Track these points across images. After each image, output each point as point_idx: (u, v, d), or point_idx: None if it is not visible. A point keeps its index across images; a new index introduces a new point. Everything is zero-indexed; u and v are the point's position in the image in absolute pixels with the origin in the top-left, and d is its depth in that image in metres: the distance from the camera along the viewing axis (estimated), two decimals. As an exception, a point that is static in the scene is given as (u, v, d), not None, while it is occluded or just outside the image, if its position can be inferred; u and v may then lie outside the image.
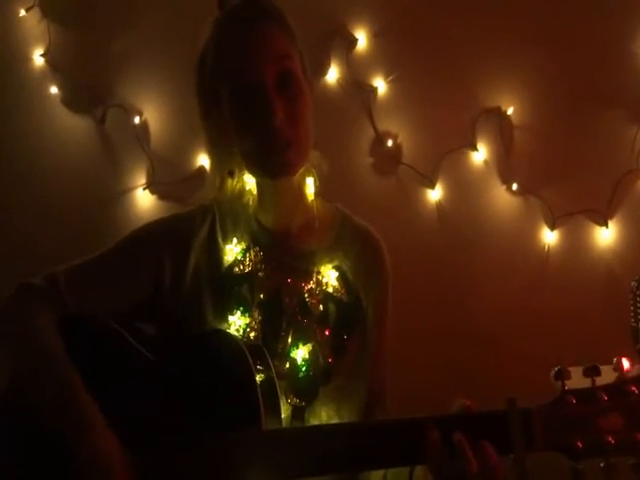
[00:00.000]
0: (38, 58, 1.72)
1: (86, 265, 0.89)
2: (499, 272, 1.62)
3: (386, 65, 1.66)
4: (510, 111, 1.63)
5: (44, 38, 1.71)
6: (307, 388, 0.85)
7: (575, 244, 1.61)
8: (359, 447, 0.71)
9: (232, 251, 0.91)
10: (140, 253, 0.90)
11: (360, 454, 0.71)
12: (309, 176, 0.92)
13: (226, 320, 0.87)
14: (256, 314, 0.87)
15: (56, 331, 0.82)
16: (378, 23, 1.66)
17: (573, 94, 1.61)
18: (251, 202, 0.92)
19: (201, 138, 0.92)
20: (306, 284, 0.89)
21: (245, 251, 0.91)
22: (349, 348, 0.89)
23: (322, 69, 1.66)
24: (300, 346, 0.86)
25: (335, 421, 0.86)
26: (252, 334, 0.87)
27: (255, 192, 0.92)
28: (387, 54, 1.66)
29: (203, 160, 1.65)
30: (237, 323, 0.87)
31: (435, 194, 1.66)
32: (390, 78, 1.66)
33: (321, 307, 0.89)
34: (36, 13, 1.72)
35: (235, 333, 0.86)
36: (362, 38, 1.66)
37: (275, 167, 0.85)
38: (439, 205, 1.66)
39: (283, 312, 0.88)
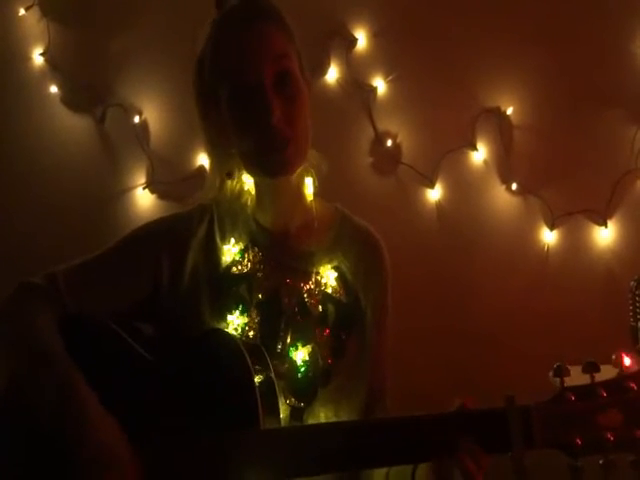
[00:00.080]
0: (38, 57, 1.72)
1: (85, 265, 0.89)
2: (499, 272, 1.62)
3: (386, 65, 1.66)
4: (510, 111, 1.63)
5: (44, 37, 1.71)
6: (306, 389, 0.85)
7: (574, 244, 1.62)
8: (358, 446, 0.71)
9: (230, 251, 0.90)
10: (139, 253, 0.90)
11: (359, 453, 0.71)
12: (308, 176, 0.91)
13: (224, 319, 0.87)
14: (254, 314, 0.87)
15: (56, 330, 0.81)
16: (378, 23, 1.66)
17: (572, 94, 1.61)
18: (249, 202, 0.92)
19: (200, 138, 0.92)
20: (305, 284, 0.89)
21: (243, 251, 0.90)
22: (348, 349, 0.89)
23: (322, 69, 1.66)
24: (300, 347, 0.86)
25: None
26: (251, 333, 0.87)
27: (253, 192, 0.92)
28: (387, 54, 1.66)
29: (203, 160, 1.66)
30: (235, 322, 0.87)
31: (435, 194, 1.66)
32: (390, 78, 1.66)
33: (320, 308, 0.88)
34: (35, 12, 1.72)
35: (233, 332, 0.86)
36: (362, 38, 1.67)
37: (273, 165, 0.85)
38: (439, 205, 1.66)
39: (282, 312, 0.88)
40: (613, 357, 0.63)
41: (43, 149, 1.71)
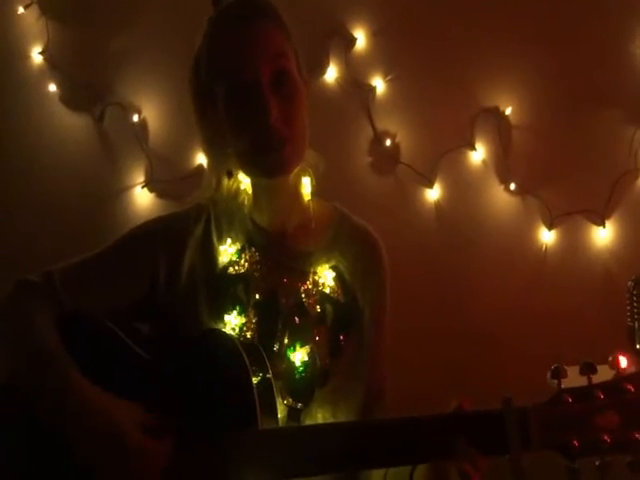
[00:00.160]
0: (36, 56, 1.71)
1: (82, 263, 0.89)
2: (497, 271, 1.62)
3: (385, 64, 1.66)
4: (508, 111, 1.63)
5: (42, 36, 1.70)
6: (303, 390, 0.85)
7: (572, 244, 1.62)
8: (356, 447, 0.71)
9: (226, 252, 0.90)
10: (136, 251, 0.90)
11: (357, 454, 0.72)
12: (305, 176, 0.91)
13: (222, 320, 0.87)
14: (252, 315, 0.87)
15: (53, 328, 0.82)
16: (377, 22, 1.66)
17: (571, 94, 1.61)
18: (246, 202, 0.92)
19: (198, 137, 0.91)
20: (303, 284, 0.89)
21: (240, 251, 0.90)
22: (346, 349, 0.89)
23: (321, 68, 1.66)
24: (298, 348, 0.86)
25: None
26: (248, 334, 0.87)
27: (250, 192, 0.92)
28: (386, 53, 1.66)
29: (202, 158, 1.65)
30: (233, 322, 0.87)
31: (433, 193, 1.66)
32: (389, 77, 1.66)
33: (318, 308, 0.88)
34: (34, 10, 1.72)
35: (231, 332, 0.86)
36: (361, 37, 1.66)
37: (270, 165, 0.85)
38: (437, 204, 1.66)
39: (279, 313, 0.88)
40: (610, 359, 0.63)
41: (42, 148, 1.71)
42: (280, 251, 0.90)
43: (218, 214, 0.92)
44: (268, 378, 0.79)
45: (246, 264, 0.89)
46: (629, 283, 1.18)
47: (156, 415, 0.76)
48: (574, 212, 1.61)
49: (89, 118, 1.71)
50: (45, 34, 1.70)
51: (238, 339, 0.84)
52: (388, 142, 1.66)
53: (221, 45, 0.83)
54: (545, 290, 1.61)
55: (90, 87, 1.70)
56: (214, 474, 0.74)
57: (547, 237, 1.63)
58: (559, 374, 0.65)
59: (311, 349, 0.86)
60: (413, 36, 1.64)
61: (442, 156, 1.64)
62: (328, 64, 1.67)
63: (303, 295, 0.89)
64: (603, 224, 1.61)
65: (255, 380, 0.77)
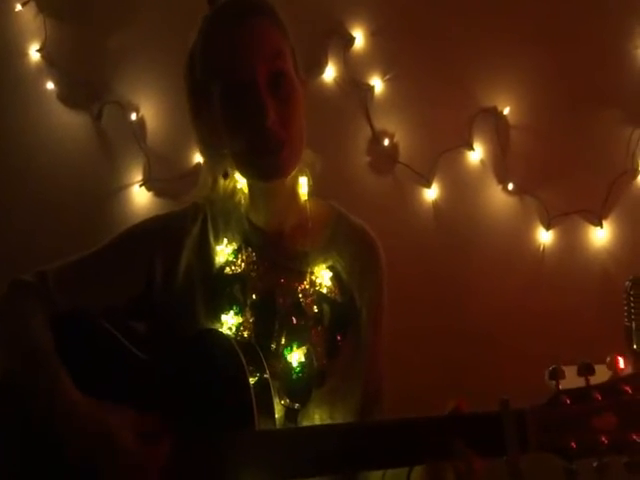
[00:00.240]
0: (34, 53, 1.71)
1: (78, 262, 0.89)
2: (495, 271, 1.62)
3: (383, 64, 1.66)
4: (506, 111, 1.64)
5: (40, 33, 1.70)
6: (300, 390, 0.85)
7: (570, 244, 1.62)
8: (353, 448, 0.71)
9: (223, 252, 0.90)
10: (132, 251, 0.89)
11: (354, 455, 0.71)
12: (302, 175, 0.90)
13: (219, 319, 0.87)
14: (249, 315, 0.87)
15: (47, 330, 0.81)
16: (376, 22, 1.66)
17: (569, 94, 1.61)
18: (243, 201, 0.91)
19: (193, 136, 0.90)
20: (300, 285, 0.89)
21: (237, 252, 0.90)
22: (343, 349, 0.89)
23: (319, 67, 1.66)
24: (295, 349, 0.86)
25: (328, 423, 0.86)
26: (245, 333, 0.86)
27: (247, 191, 0.91)
28: (384, 53, 1.66)
29: (200, 157, 1.65)
30: (230, 322, 0.86)
31: (431, 193, 1.66)
32: (387, 77, 1.66)
33: (315, 308, 0.88)
34: (32, 8, 1.71)
35: (228, 332, 0.85)
36: (359, 37, 1.66)
37: (267, 169, 0.84)
38: (435, 204, 1.66)
39: (276, 313, 0.87)
40: (608, 359, 0.63)
41: (40, 146, 1.70)
42: (277, 251, 0.90)
43: (215, 214, 0.92)
44: (265, 378, 0.79)
45: (243, 264, 0.89)
46: (626, 283, 1.18)
47: (151, 417, 0.75)
48: (572, 212, 1.61)
49: (87, 116, 1.71)
50: (43, 32, 1.70)
51: (235, 339, 0.84)
52: (386, 142, 1.66)
53: (217, 43, 0.82)
54: (543, 290, 1.61)
55: (88, 85, 1.70)
56: (212, 474, 0.74)
57: (545, 237, 1.63)
58: (557, 375, 0.65)
59: (308, 349, 0.86)
60: (412, 36, 1.64)
61: (440, 156, 1.64)
62: (326, 63, 1.67)
63: (300, 295, 0.88)
64: (601, 224, 1.61)
65: (252, 380, 0.77)
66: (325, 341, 0.88)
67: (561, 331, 1.56)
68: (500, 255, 1.63)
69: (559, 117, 1.62)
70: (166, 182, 1.68)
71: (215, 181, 0.91)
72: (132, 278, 0.89)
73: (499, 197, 1.65)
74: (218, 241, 0.91)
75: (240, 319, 0.87)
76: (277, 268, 0.89)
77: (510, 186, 1.64)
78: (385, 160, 1.67)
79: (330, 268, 0.91)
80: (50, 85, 1.70)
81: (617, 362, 0.62)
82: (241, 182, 0.92)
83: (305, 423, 0.85)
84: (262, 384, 0.78)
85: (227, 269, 0.89)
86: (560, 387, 0.66)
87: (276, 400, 0.82)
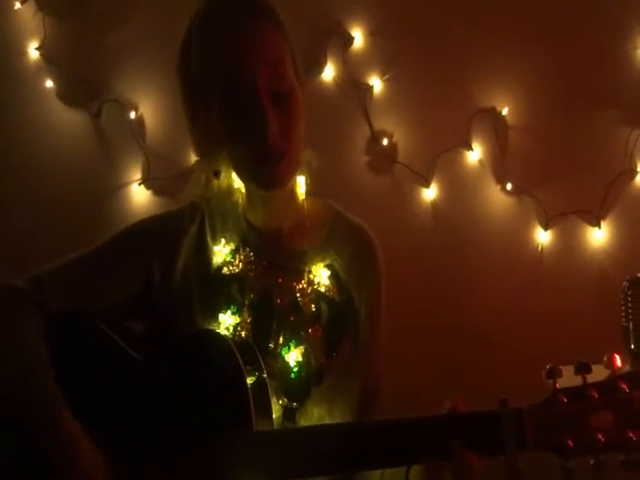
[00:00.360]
0: (33, 51, 1.70)
1: (74, 262, 0.88)
2: (493, 271, 1.63)
3: (382, 64, 1.66)
4: (505, 111, 1.64)
5: (39, 31, 1.70)
6: (299, 389, 0.85)
7: (568, 244, 1.63)
8: (351, 448, 0.71)
9: (220, 252, 0.90)
10: (130, 250, 0.89)
11: (353, 455, 0.72)
12: (300, 175, 0.90)
13: (216, 319, 0.87)
14: (246, 314, 0.87)
15: (41, 336, 0.81)
16: (375, 21, 1.66)
17: (568, 95, 1.62)
18: (240, 200, 0.91)
19: (188, 135, 0.89)
20: (298, 284, 0.88)
21: (234, 252, 0.90)
22: (341, 348, 0.89)
23: (318, 67, 1.66)
24: (292, 348, 0.86)
25: (327, 421, 0.86)
26: (243, 333, 0.86)
27: (244, 190, 0.91)
28: (383, 53, 1.66)
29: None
30: (227, 322, 0.86)
31: (430, 193, 1.66)
32: (386, 77, 1.66)
33: (313, 307, 0.88)
34: (31, 6, 1.71)
35: (225, 332, 0.85)
36: (358, 36, 1.67)
37: (267, 179, 0.83)
38: (434, 204, 1.66)
39: (274, 312, 0.87)
40: (605, 358, 0.64)
41: (38, 144, 1.70)
42: (274, 251, 0.90)
43: (212, 213, 0.92)
44: (263, 378, 0.79)
45: (240, 264, 0.89)
46: (624, 283, 1.19)
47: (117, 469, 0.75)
48: (570, 212, 1.62)
49: (86, 114, 1.71)
50: (42, 30, 1.70)
51: (232, 339, 0.84)
52: (385, 141, 1.66)
53: (217, 46, 0.80)
54: (540, 290, 1.61)
55: (87, 83, 1.70)
56: (208, 475, 0.74)
57: (543, 237, 1.63)
58: (554, 374, 0.66)
59: (306, 349, 0.86)
60: (411, 36, 1.65)
61: (439, 156, 1.64)
62: (325, 63, 1.67)
63: (298, 294, 0.88)
64: (599, 225, 1.61)
65: (250, 380, 0.76)
66: (323, 340, 0.88)
67: (559, 331, 1.56)
68: (498, 255, 1.63)
69: (557, 117, 1.62)
70: (165, 181, 1.68)
71: (209, 180, 0.90)
72: (130, 278, 0.88)
73: (497, 197, 1.65)
74: (216, 241, 0.91)
75: (238, 319, 0.87)
76: (275, 267, 0.89)
77: (508, 186, 1.64)
78: (384, 160, 1.67)
79: (328, 267, 0.91)
80: (49, 83, 1.70)
81: (614, 360, 0.62)
82: (238, 182, 0.91)
83: (303, 421, 0.85)
84: (259, 384, 0.78)
85: (225, 269, 0.89)
86: (557, 386, 0.66)
87: (274, 400, 0.82)
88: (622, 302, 1.19)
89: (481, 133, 1.65)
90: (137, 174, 1.71)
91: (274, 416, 0.80)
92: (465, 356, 1.58)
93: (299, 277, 0.89)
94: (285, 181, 0.85)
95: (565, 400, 0.65)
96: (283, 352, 0.86)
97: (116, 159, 1.71)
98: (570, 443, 0.64)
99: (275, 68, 0.80)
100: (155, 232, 0.91)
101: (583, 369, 0.64)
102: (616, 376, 0.64)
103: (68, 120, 1.71)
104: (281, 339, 0.87)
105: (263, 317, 0.87)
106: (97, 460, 0.74)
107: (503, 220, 1.65)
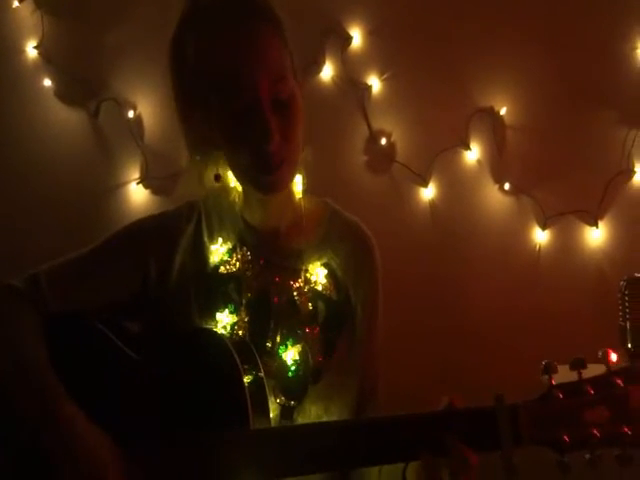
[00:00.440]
0: (31, 50, 1.70)
1: (72, 262, 0.89)
2: (491, 270, 1.63)
3: (381, 63, 1.66)
4: (503, 111, 1.64)
5: (37, 30, 1.70)
6: (296, 388, 0.85)
7: (566, 244, 1.63)
8: (348, 445, 0.71)
9: (218, 252, 0.90)
10: (127, 250, 0.89)
11: (349, 452, 0.72)
12: (297, 173, 0.89)
13: (213, 318, 0.87)
14: (244, 314, 0.87)
15: (40, 336, 0.81)
16: (373, 21, 1.66)
17: (566, 95, 1.62)
18: (237, 199, 0.91)
19: (182, 135, 0.87)
20: (295, 282, 0.89)
21: (232, 251, 0.90)
22: (338, 346, 0.89)
23: (317, 66, 1.66)
24: (289, 347, 0.86)
25: (324, 420, 0.86)
26: (240, 332, 0.86)
27: (240, 189, 0.91)
28: (382, 52, 1.66)
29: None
30: (224, 321, 0.86)
31: (428, 192, 1.66)
32: (385, 76, 1.66)
33: (310, 305, 0.88)
34: (29, 4, 1.71)
35: (222, 331, 0.85)
36: (357, 36, 1.67)
37: (266, 185, 0.83)
38: (432, 203, 1.67)
39: (271, 311, 0.87)
40: (600, 353, 0.64)
41: (36, 142, 1.70)
42: (272, 250, 0.90)
43: (209, 213, 0.92)
44: (260, 377, 0.79)
45: (237, 263, 0.89)
46: (621, 283, 1.19)
47: (129, 454, 0.75)
48: (567, 212, 1.62)
49: (84, 113, 1.71)
50: (40, 28, 1.69)
51: (229, 338, 0.84)
52: (383, 141, 1.67)
53: (217, 52, 0.79)
54: (538, 289, 1.62)
55: (85, 82, 1.69)
56: (205, 475, 0.74)
57: (541, 237, 1.64)
58: (549, 370, 0.66)
59: (303, 347, 0.86)
60: (409, 35, 1.65)
61: (437, 155, 1.64)
62: (324, 62, 1.67)
63: (295, 293, 0.88)
64: (596, 224, 1.62)
65: (247, 379, 0.77)
66: (320, 339, 0.88)
67: (556, 330, 1.56)
68: (496, 254, 1.63)
69: (555, 117, 1.63)
70: (163, 180, 1.68)
71: (202, 178, 0.88)
72: (127, 277, 0.89)
73: (495, 197, 1.65)
74: (213, 240, 0.91)
75: (235, 318, 0.87)
76: (272, 267, 0.89)
77: (506, 186, 1.64)
78: (382, 159, 1.67)
79: (325, 265, 0.91)
80: (47, 82, 1.70)
81: (609, 356, 0.62)
82: (234, 181, 0.91)
83: (301, 419, 0.85)
84: (257, 383, 0.79)
85: (222, 268, 0.89)
86: (553, 382, 0.66)
87: (271, 399, 0.82)
88: (619, 301, 1.20)
89: (479, 133, 1.65)
90: (135, 173, 1.71)
91: (272, 415, 0.80)
92: (462, 355, 1.58)
93: (296, 276, 0.89)
94: (284, 186, 0.85)
95: (561, 395, 0.65)
96: (280, 351, 0.86)
97: (114, 158, 1.71)
98: (566, 438, 0.64)
99: (276, 76, 0.79)
100: (152, 231, 0.91)
101: (578, 365, 0.65)
102: (611, 372, 0.64)
103: (66, 119, 1.71)
104: (278, 338, 0.87)
105: (260, 316, 0.87)
106: (104, 455, 0.73)
107: (501, 219, 1.65)
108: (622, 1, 1.61)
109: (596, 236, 1.62)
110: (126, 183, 1.71)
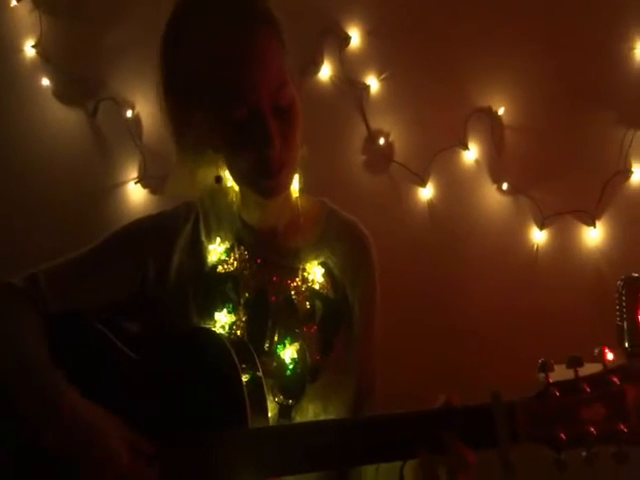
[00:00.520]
0: (29, 49, 1.70)
1: (70, 262, 0.89)
2: (488, 270, 1.63)
3: (379, 63, 1.66)
4: (501, 111, 1.64)
5: (35, 29, 1.69)
6: (294, 386, 0.85)
7: (564, 244, 1.63)
8: (345, 443, 0.72)
9: (215, 251, 0.90)
10: (125, 250, 0.90)
11: (347, 450, 0.72)
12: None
13: (212, 318, 0.87)
14: (242, 313, 0.87)
15: (40, 335, 0.81)
16: (371, 21, 1.66)
17: (563, 95, 1.62)
18: (234, 199, 0.91)
19: (171, 136, 0.86)
20: (292, 282, 0.89)
21: (229, 250, 0.90)
22: (336, 345, 0.89)
23: (315, 66, 1.66)
24: (287, 345, 0.86)
25: (322, 418, 0.86)
26: (238, 332, 0.87)
27: (237, 189, 0.91)
28: (380, 52, 1.66)
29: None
30: (223, 320, 0.87)
31: (426, 192, 1.67)
32: (383, 76, 1.66)
33: (307, 304, 0.88)
34: (27, 4, 1.70)
35: (221, 331, 0.86)
36: (355, 36, 1.67)
37: (266, 190, 0.84)
38: (430, 203, 1.67)
39: (269, 311, 0.88)
40: (596, 351, 0.64)
41: (34, 142, 1.70)
42: (269, 249, 0.90)
43: (207, 213, 0.92)
44: (258, 376, 0.80)
45: (235, 262, 0.89)
46: (618, 283, 1.19)
47: (146, 439, 0.75)
48: (565, 212, 1.62)
49: (82, 113, 1.70)
50: (38, 27, 1.69)
51: (227, 337, 0.84)
52: (382, 141, 1.67)
53: (216, 55, 0.78)
54: (536, 289, 1.62)
55: (83, 82, 1.69)
56: (204, 474, 0.74)
57: (538, 237, 1.64)
58: (546, 368, 0.66)
59: (300, 345, 0.87)
60: (407, 35, 1.65)
61: (435, 155, 1.64)
62: (322, 62, 1.67)
63: (292, 292, 0.89)
64: (594, 224, 1.62)
65: (245, 378, 0.77)
66: (318, 337, 0.89)
67: (554, 330, 1.56)
68: (494, 254, 1.64)
69: (553, 117, 1.63)
70: (161, 179, 1.68)
71: (194, 178, 0.88)
72: (125, 277, 0.89)
73: (493, 196, 1.66)
74: (210, 240, 0.91)
75: (233, 317, 0.87)
76: (269, 266, 0.90)
77: (504, 186, 1.64)
78: (380, 159, 1.67)
79: (322, 264, 0.91)
80: (45, 81, 1.70)
81: (605, 354, 0.63)
82: (232, 181, 0.90)
83: (299, 417, 0.85)
84: (255, 382, 0.79)
85: (219, 268, 0.89)
86: (550, 380, 0.66)
87: (269, 398, 0.82)
88: (616, 301, 1.19)
89: (477, 133, 1.65)
90: (133, 173, 1.71)
91: (270, 414, 0.80)
92: (460, 355, 1.58)
93: (293, 275, 0.90)
94: (284, 190, 0.85)
95: (557, 393, 0.65)
96: (278, 350, 0.86)
97: (112, 158, 1.71)
98: (562, 436, 0.64)
99: (277, 84, 0.79)
100: (150, 231, 0.91)
101: (575, 363, 0.65)
102: (607, 370, 0.64)
103: (64, 118, 1.71)
104: (276, 337, 0.87)
105: (258, 315, 0.88)
106: (116, 445, 0.73)
107: (499, 219, 1.65)
108: (620, 1, 1.61)
109: (594, 236, 1.62)
110: (124, 182, 1.70)
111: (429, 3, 1.65)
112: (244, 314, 0.87)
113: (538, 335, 1.55)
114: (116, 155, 1.71)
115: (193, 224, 0.92)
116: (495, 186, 1.65)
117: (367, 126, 1.67)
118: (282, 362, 0.86)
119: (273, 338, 0.87)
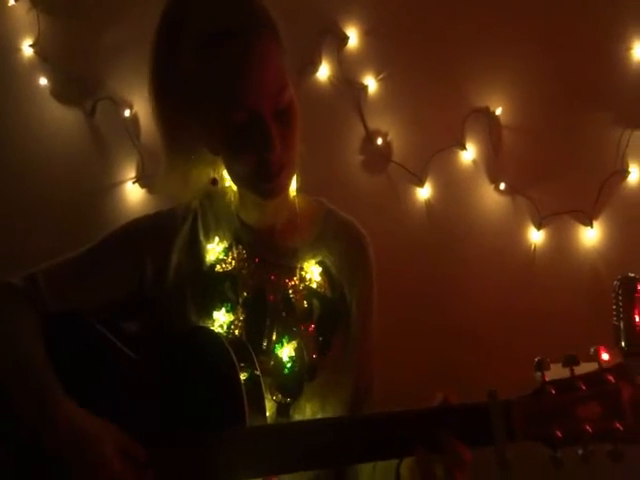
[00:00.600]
0: (27, 49, 1.70)
1: (68, 262, 0.89)
2: (486, 270, 1.63)
3: (377, 63, 1.67)
4: (499, 111, 1.65)
5: (33, 28, 1.69)
6: (292, 385, 0.86)
7: (561, 244, 1.64)
8: (343, 442, 0.72)
9: (214, 250, 0.90)
10: (124, 249, 0.90)
11: (344, 448, 0.72)
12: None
13: (210, 317, 0.87)
14: (240, 312, 0.87)
15: (38, 334, 0.81)
16: (369, 21, 1.67)
17: (561, 95, 1.63)
18: (233, 199, 0.91)
19: (161, 139, 0.86)
20: (290, 281, 0.89)
21: (227, 249, 0.90)
22: (334, 344, 0.89)
23: (313, 66, 1.66)
24: (285, 344, 0.86)
25: (320, 417, 0.86)
26: (236, 331, 0.87)
27: (236, 189, 0.91)
28: (378, 52, 1.67)
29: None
30: (221, 319, 0.87)
31: (424, 192, 1.67)
32: (381, 76, 1.67)
33: (305, 303, 0.89)
34: (25, 3, 1.70)
35: (219, 330, 0.86)
36: (353, 36, 1.67)
37: (266, 191, 0.84)
38: (428, 203, 1.67)
39: (267, 309, 0.88)
40: (592, 350, 0.64)
41: (32, 142, 1.69)
42: (267, 248, 0.91)
43: (205, 212, 0.92)
44: (256, 375, 0.80)
45: (233, 262, 0.89)
46: (615, 282, 1.19)
47: (141, 446, 0.75)
48: (563, 212, 1.63)
49: (80, 112, 1.70)
50: (36, 27, 1.69)
51: (226, 336, 0.84)
52: (380, 141, 1.67)
53: (216, 58, 0.77)
54: (533, 289, 1.62)
55: (81, 81, 1.69)
56: (202, 473, 0.74)
57: (536, 237, 1.64)
58: (542, 366, 0.66)
59: (298, 344, 0.87)
60: (405, 35, 1.65)
61: (433, 155, 1.65)
62: (320, 62, 1.67)
63: (290, 291, 0.89)
64: (591, 224, 1.62)
65: (243, 377, 0.77)
66: (315, 336, 0.89)
67: (551, 330, 1.57)
68: (491, 254, 1.64)
69: (551, 118, 1.63)
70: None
71: (187, 179, 0.88)
72: (123, 276, 0.89)
73: (491, 196, 1.66)
74: (209, 239, 0.91)
75: (231, 317, 0.87)
76: (267, 265, 0.90)
77: (502, 186, 1.65)
78: (378, 159, 1.67)
79: (319, 263, 0.91)
80: (43, 81, 1.70)
81: (600, 353, 0.63)
82: (229, 179, 0.91)
83: (297, 416, 0.85)
84: (253, 381, 0.79)
85: (218, 267, 0.90)
86: (546, 378, 0.67)
87: (267, 397, 0.83)
88: (613, 301, 1.20)
89: (475, 133, 1.65)
90: (131, 172, 1.70)
91: (268, 413, 0.80)
92: (457, 355, 1.59)
93: (291, 274, 0.90)
94: (283, 191, 0.85)
95: (553, 391, 0.66)
96: (276, 348, 0.87)
97: (110, 157, 1.71)
98: (558, 434, 0.64)
99: (277, 89, 0.79)
100: (148, 231, 0.91)
101: (571, 362, 0.65)
102: (603, 368, 0.65)
103: (62, 118, 1.70)
104: (274, 336, 0.87)
105: (256, 314, 0.88)
106: (109, 451, 0.73)
107: (496, 219, 1.65)
108: (617, 1, 1.61)
109: (591, 236, 1.63)
110: (122, 182, 1.70)
111: (427, 3, 1.65)
112: (242, 313, 0.87)
113: (535, 334, 1.56)
114: (114, 155, 1.70)
115: (191, 223, 0.92)
116: (493, 186, 1.66)
117: (365, 126, 1.67)
118: (280, 361, 0.86)
119: (271, 337, 0.87)
